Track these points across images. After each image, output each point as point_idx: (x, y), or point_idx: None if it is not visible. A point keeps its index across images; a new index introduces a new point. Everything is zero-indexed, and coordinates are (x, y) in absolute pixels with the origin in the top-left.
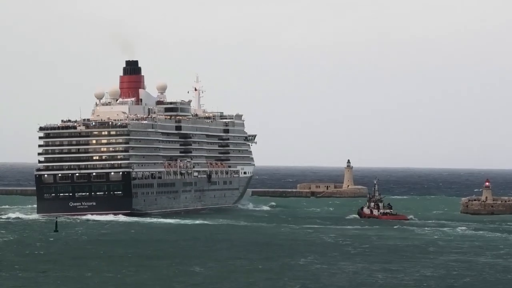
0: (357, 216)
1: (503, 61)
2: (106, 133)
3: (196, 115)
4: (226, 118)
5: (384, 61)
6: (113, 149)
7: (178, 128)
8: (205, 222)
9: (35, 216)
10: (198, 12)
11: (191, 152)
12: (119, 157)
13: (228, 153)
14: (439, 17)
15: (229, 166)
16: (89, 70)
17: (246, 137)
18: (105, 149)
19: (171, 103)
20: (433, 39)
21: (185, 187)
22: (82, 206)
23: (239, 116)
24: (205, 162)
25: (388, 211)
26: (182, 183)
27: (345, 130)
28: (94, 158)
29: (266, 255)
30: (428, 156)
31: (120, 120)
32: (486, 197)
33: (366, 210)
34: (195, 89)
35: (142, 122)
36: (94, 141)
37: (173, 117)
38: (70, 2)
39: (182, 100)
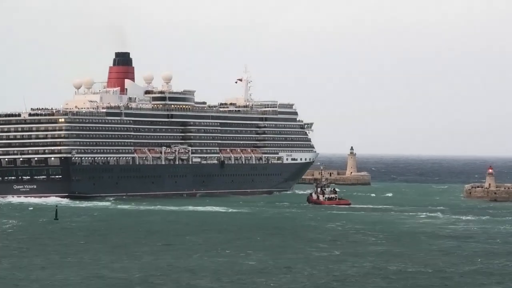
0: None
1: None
2: (47, 120)
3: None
4: (265, 107)
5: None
6: (51, 136)
7: (170, 116)
8: (167, 207)
9: None
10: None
11: (190, 139)
12: (59, 143)
13: (265, 140)
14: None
15: (264, 153)
16: (83, 61)
17: (301, 125)
18: (45, 136)
19: (159, 92)
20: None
21: (174, 172)
22: (24, 189)
23: (288, 105)
24: (217, 148)
25: (332, 196)
26: (168, 168)
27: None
28: (36, 144)
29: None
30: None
31: (84, 108)
32: (489, 184)
33: (314, 196)
34: (240, 80)
35: (101, 110)
36: (36, 128)
37: (165, 106)
38: None
39: (185, 90)
